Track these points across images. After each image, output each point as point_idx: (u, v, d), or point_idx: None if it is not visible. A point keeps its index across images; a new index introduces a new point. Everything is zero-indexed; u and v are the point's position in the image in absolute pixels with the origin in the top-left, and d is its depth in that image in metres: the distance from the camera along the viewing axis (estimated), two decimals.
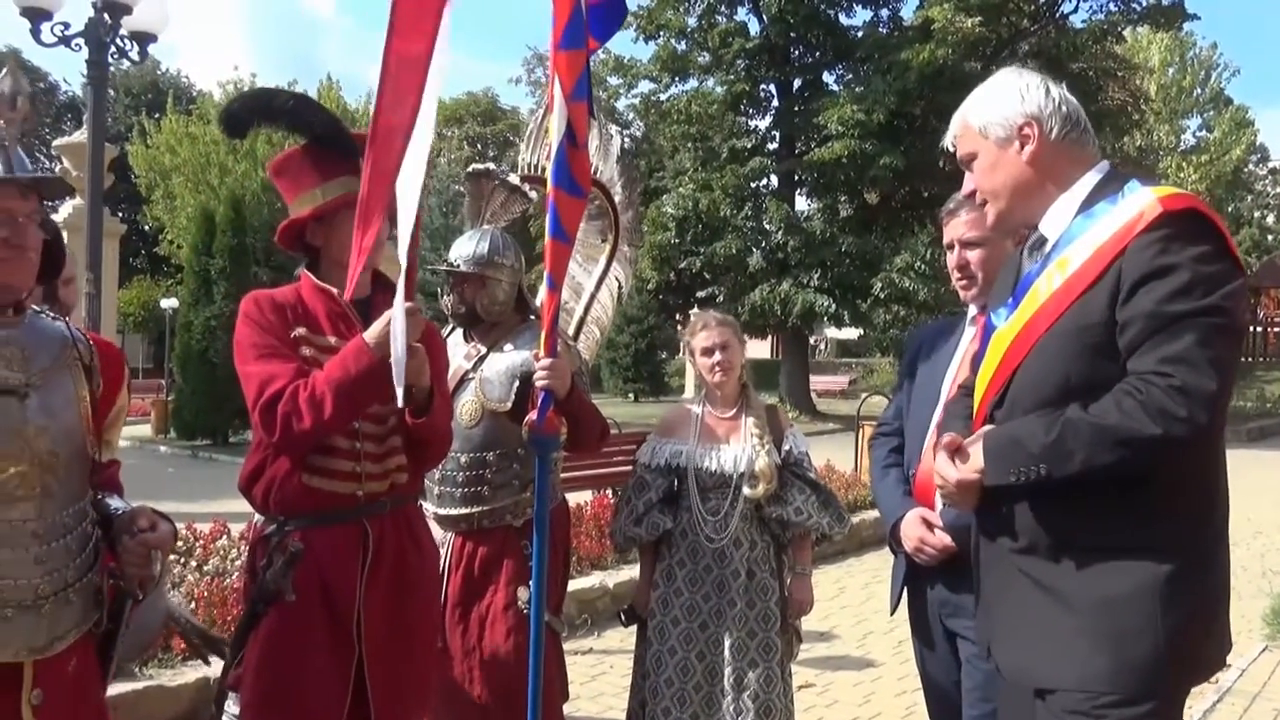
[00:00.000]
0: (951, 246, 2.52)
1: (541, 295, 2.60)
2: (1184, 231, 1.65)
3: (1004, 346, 1.81)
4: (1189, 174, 36.96)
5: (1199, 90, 39.52)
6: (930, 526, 2.39)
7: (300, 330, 2.27)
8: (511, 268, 3.06)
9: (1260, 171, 40.25)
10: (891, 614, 2.70)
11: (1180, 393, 1.57)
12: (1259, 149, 39.95)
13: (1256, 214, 39.91)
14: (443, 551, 2.89)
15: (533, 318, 3.08)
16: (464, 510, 2.96)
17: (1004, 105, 1.84)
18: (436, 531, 2.88)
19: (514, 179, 3.26)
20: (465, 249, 3.04)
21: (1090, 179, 1.82)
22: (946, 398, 2.42)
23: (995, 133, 1.84)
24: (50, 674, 1.67)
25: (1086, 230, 1.74)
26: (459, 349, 3.07)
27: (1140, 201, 1.70)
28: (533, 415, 2.57)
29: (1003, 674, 1.82)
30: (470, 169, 3.36)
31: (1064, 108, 1.83)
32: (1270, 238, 39.70)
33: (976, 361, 2.03)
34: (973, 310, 2.50)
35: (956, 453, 1.81)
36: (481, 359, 3.01)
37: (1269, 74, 76.08)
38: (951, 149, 1.95)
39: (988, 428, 1.80)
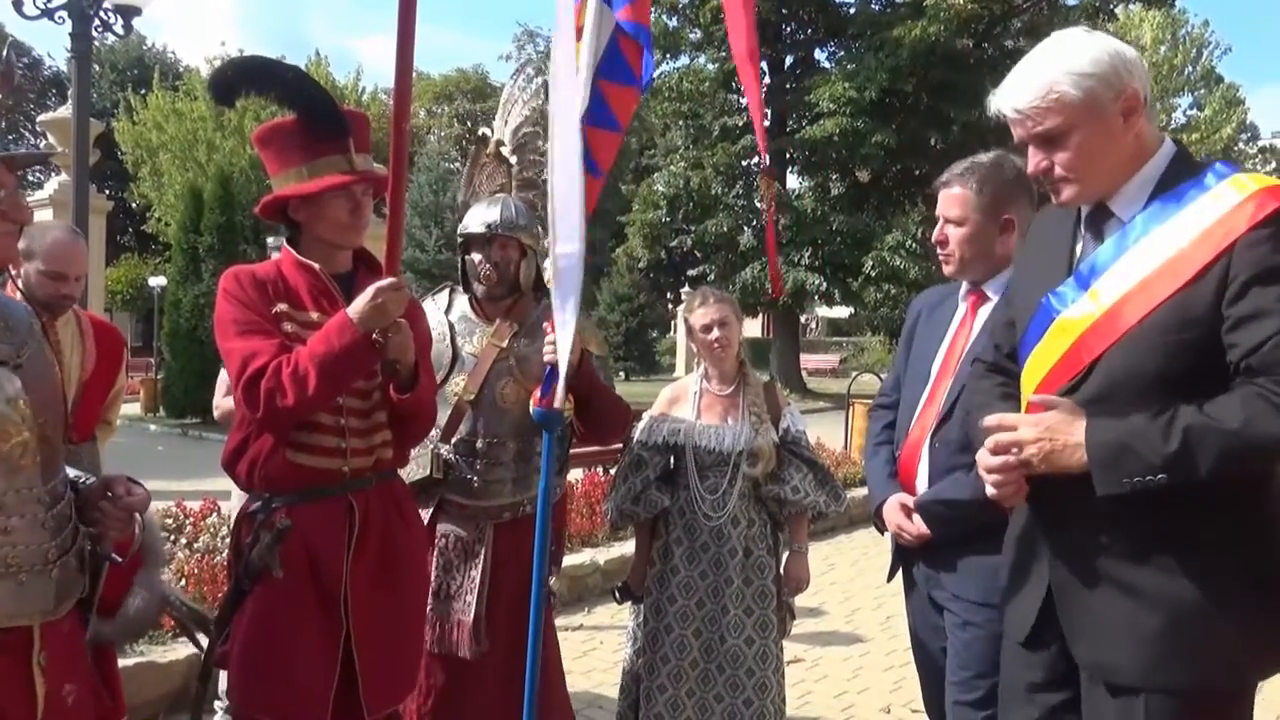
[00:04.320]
0: (938, 220, 2.50)
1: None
2: None
3: (1077, 332, 1.70)
4: None
5: (1190, 68, 39.57)
6: (908, 513, 2.42)
7: (282, 306, 2.23)
8: (537, 237, 2.93)
9: (1250, 150, 40.37)
10: (888, 580, 2.72)
11: None
12: (1249, 127, 40.10)
13: None
14: (481, 549, 2.79)
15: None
16: (513, 499, 2.83)
17: (1109, 74, 1.65)
18: (459, 528, 2.83)
19: (504, 150, 3.21)
20: (499, 214, 2.86)
21: (1163, 156, 1.72)
22: (935, 377, 2.40)
23: (1102, 106, 1.65)
24: (52, 635, 1.73)
25: (1175, 216, 1.64)
26: (473, 325, 2.94)
27: (1242, 191, 1.61)
28: (538, 390, 2.54)
29: (1084, 669, 1.75)
30: (480, 133, 3.27)
31: (1148, 75, 1.71)
32: None
33: (1000, 333, 1.97)
34: (965, 286, 2.50)
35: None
36: (515, 336, 2.88)
37: (1259, 52, 76.11)
38: (1012, 118, 1.73)
39: (1054, 418, 1.65)
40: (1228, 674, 1.65)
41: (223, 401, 3.49)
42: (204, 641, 2.11)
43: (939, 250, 2.48)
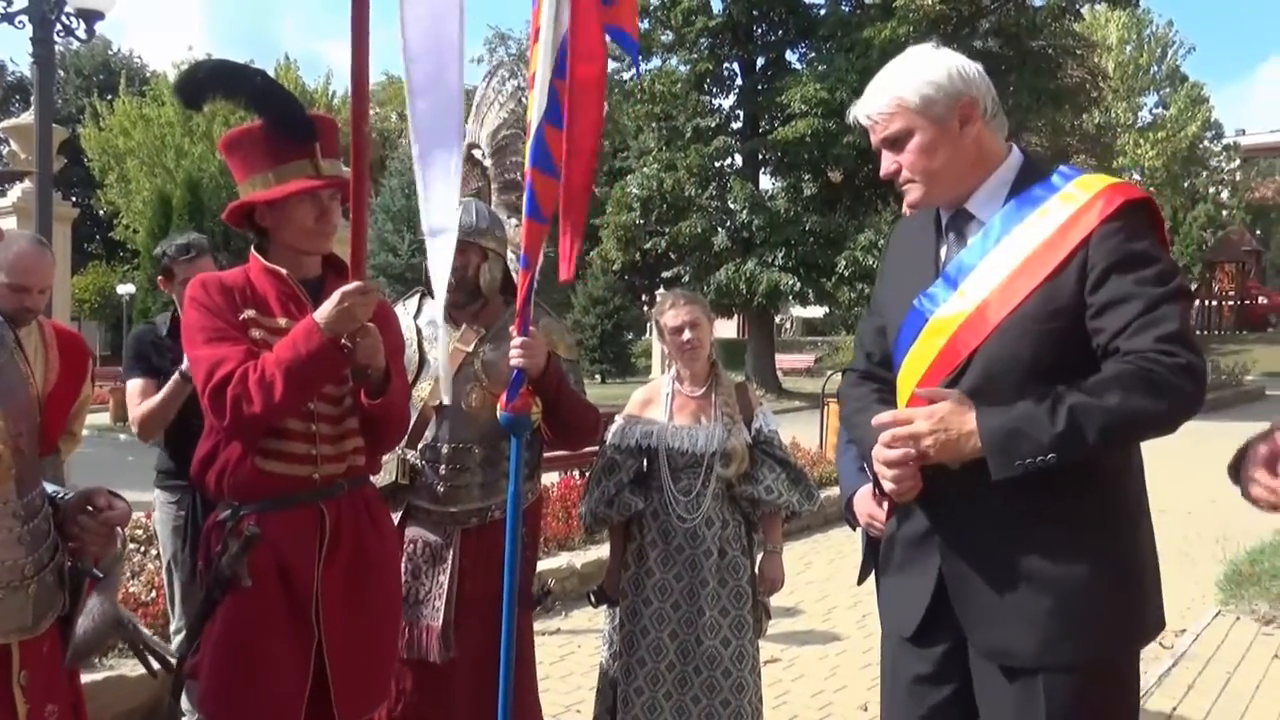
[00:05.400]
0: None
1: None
2: (1146, 221, 1.73)
3: (951, 330, 1.79)
4: (1146, 150, 37.53)
5: (1155, 68, 40.09)
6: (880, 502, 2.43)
7: (249, 312, 2.21)
8: (503, 240, 2.93)
9: (1215, 148, 40.91)
10: (859, 583, 2.73)
11: (1186, 370, 1.62)
12: (1214, 125, 40.63)
13: (1211, 189, 40.60)
14: (449, 554, 2.78)
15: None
16: (480, 504, 2.82)
17: (945, 82, 1.79)
18: (427, 533, 2.82)
19: (477, 153, 3.19)
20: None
21: (1013, 162, 1.85)
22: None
23: (937, 111, 1.79)
24: (32, 654, 1.70)
25: (1031, 214, 1.76)
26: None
27: (1090, 190, 1.74)
28: (504, 395, 2.53)
29: (981, 655, 1.80)
30: None
31: (992, 89, 1.85)
32: (1225, 213, 40.40)
33: (869, 342, 2.04)
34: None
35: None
36: (481, 340, 2.87)
37: (1223, 51, 77.25)
38: (865, 125, 1.86)
39: (945, 408, 1.72)
40: (1114, 645, 1.76)
41: (137, 408, 3.35)
42: (155, 665, 2.07)
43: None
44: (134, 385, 3.36)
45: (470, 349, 2.86)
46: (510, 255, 2.98)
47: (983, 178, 1.84)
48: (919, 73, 1.81)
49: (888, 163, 1.87)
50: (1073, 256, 1.70)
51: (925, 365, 1.82)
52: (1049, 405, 1.64)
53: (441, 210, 2.41)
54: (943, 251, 1.89)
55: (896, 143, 1.84)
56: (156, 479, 3.52)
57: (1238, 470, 1.66)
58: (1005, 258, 1.76)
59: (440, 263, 2.45)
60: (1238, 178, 41.51)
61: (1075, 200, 1.74)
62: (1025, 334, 1.72)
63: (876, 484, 1.86)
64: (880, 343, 2.01)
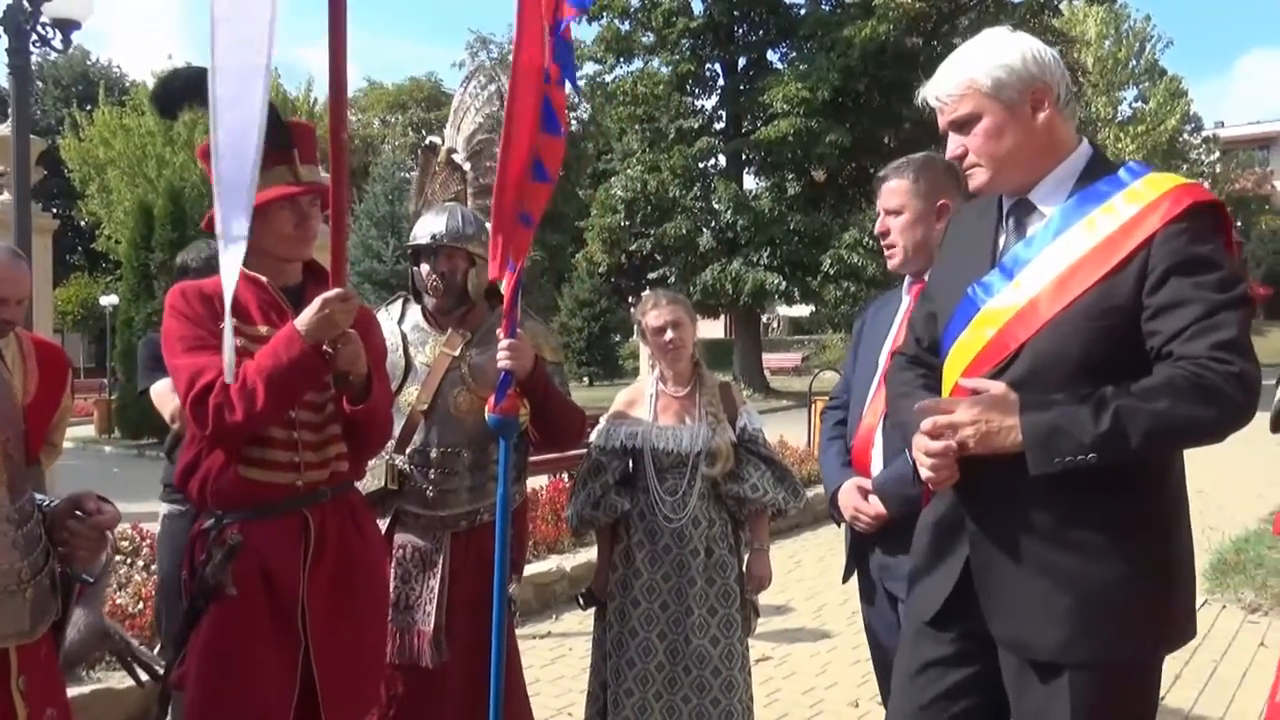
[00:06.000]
0: (880, 214, 2.57)
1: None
2: (1212, 225, 1.69)
3: (1002, 321, 1.76)
4: (1126, 144, 37.73)
5: (1134, 62, 40.30)
6: (865, 494, 2.44)
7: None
8: (487, 245, 2.90)
9: (1194, 140, 41.18)
10: (844, 581, 2.74)
11: (1239, 379, 1.59)
12: (1193, 118, 40.88)
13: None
14: (438, 559, 2.77)
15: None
16: (469, 507, 2.82)
17: (1019, 66, 1.75)
18: (416, 538, 2.81)
19: (457, 157, 3.19)
20: (444, 224, 2.84)
21: (1082, 154, 1.82)
22: (884, 366, 2.44)
23: (1008, 94, 1.75)
24: (29, 659, 1.69)
25: (1095, 210, 1.73)
26: (425, 335, 2.92)
27: (1158, 189, 1.70)
28: (492, 397, 2.53)
29: (1001, 645, 1.80)
30: (427, 141, 3.26)
31: (1067, 76, 1.81)
32: None
33: (920, 327, 2.02)
34: (908, 279, 2.56)
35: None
36: (468, 345, 2.87)
37: (1201, 45, 77.84)
38: (935, 106, 1.84)
39: (983, 399, 1.71)
40: (1136, 649, 1.75)
41: (173, 403, 3.30)
42: (144, 676, 2.06)
43: (883, 243, 2.56)
44: (163, 384, 3.30)
45: (456, 353, 2.86)
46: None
47: (1050, 167, 1.80)
48: (993, 55, 1.78)
49: (954, 145, 1.84)
50: (1134, 256, 1.67)
51: (973, 354, 1.80)
52: (1094, 405, 1.61)
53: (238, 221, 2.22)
54: (1001, 241, 1.87)
55: (964, 125, 1.81)
56: (163, 493, 3.48)
57: None
58: (1063, 253, 1.73)
59: (230, 273, 2.12)
60: (1217, 170, 41.78)
61: (1141, 199, 1.70)
62: (1078, 330, 1.69)
63: (915, 472, 1.84)
64: (931, 328, 1.99)
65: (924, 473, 1.77)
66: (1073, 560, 1.71)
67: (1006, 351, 1.75)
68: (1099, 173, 1.78)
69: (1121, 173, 1.77)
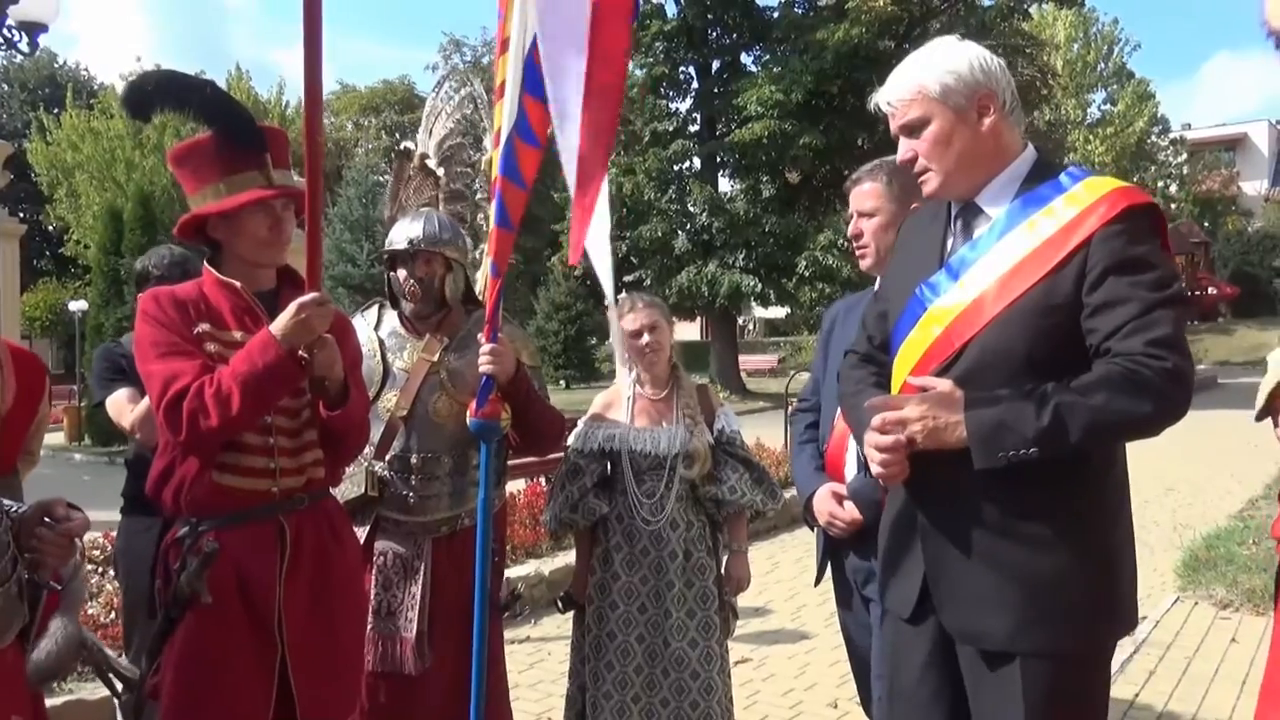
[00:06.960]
0: (852, 216, 2.59)
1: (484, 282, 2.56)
2: (1148, 226, 1.76)
3: (948, 320, 1.82)
4: (1095, 147, 38.14)
5: (1102, 65, 40.75)
6: (839, 500, 2.45)
7: (204, 326, 2.18)
8: (464, 250, 2.93)
9: (1162, 142, 41.67)
10: (816, 584, 2.76)
11: (1172, 375, 1.65)
12: (1160, 120, 41.37)
13: (1160, 184, 41.33)
14: (420, 565, 2.76)
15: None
16: (450, 513, 2.82)
17: (965, 73, 1.82)
18: (397, 544, 2.79)
19: (430, 163, 3.18)
20: (421, 229, 2.83)
21: (1027, 159, 1.87)
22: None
23: (956, 100, 1.82)
24: None
25: (1036, 213, 1.78)
26: (403, 341, 2.90)
27: (1097, 191, 1.76)
28: (474, 402, 2.52)
29: (954, 636, 1.84)
30: (401, 146, 3.26)
31: (1012, 84, 1.87)
32: (1173, 206, 41.18)
33: (872, 325, 2.06)
34: (878, 284, 2.56)
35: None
36: (446, 350, 2.86)
37: (1168, 49, 78.92)
38: (886, 111, 1.90)
39: (931, 395, 1.76)
40: (1085, 636, 1.79)
41: (132, 414, 3.21)
42: (119, 686, 2.03)
43: (855, 245, 2.57)
44: (119, 395, 3.26)
45: (435, 358, 2.85)
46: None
47: (996, 172, 1.86)
48: (941, 62, 1.83)
49: (904, 150, 1.90)
50: (1073, 255, 1.72)
51: (920, 352, 1.85)
52: (1036, 401, 1.66)
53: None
54: (949, 243, 1.92)
55: (914, 130, 1.86)
56: (123, 505, 3.42)
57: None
58: (1007, 254, 1.78)
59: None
60: (1185, 171, 42.32)
61: (1080, 201, 1.76)
62: (1021, 328, 1.74)
63: (866, 467, 1.88)
64: (882, 326, 2.04)
65: (875, 469, 1.82)
66: (1020, 552, 1.76)
67: (952, 349, 1.81)
68: (1042, 177, 1.84)
69: (1063, 177, 1.83)
